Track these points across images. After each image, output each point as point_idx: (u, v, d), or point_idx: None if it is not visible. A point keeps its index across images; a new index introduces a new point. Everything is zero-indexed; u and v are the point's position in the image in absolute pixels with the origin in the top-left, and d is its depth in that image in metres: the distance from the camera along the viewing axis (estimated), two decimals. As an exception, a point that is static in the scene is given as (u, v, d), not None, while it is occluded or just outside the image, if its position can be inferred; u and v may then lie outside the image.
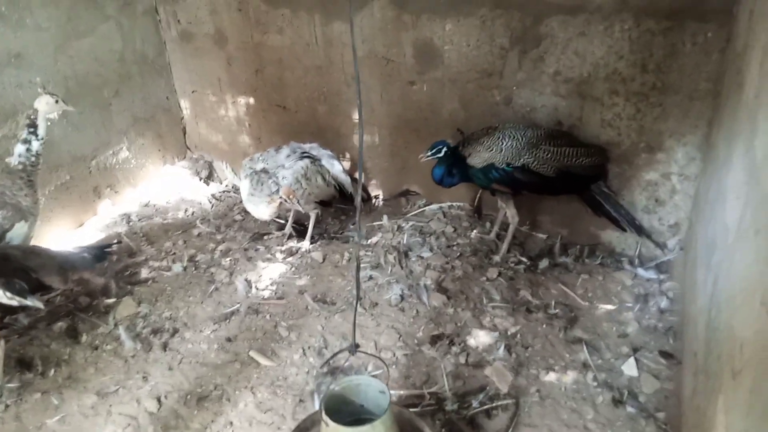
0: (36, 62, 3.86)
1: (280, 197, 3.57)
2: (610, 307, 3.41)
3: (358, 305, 3.44)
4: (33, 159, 3.28)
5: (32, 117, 3.25)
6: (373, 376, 2.73)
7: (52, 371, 3.14)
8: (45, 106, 3.26)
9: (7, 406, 2.94)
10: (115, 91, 4.41)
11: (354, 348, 2.40)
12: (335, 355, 2.64)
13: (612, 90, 3.49)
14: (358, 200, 2.37)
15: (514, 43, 3.63)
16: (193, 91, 4.82)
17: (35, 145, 3.26)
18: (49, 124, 3.32)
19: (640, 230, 3.67)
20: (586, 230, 3.90)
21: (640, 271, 3.65)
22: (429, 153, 3.62)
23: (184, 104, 4.96)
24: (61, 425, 2.87)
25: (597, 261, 3.79)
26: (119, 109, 4.45)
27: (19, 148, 3.26)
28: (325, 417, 2.20)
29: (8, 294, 2.76)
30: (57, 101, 3.29)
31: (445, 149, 3.59)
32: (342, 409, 2.38)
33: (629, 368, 2.93)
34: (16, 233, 3.25)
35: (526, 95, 3.76)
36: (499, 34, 3.64)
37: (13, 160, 3.26)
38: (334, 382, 2.45)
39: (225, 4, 4.33)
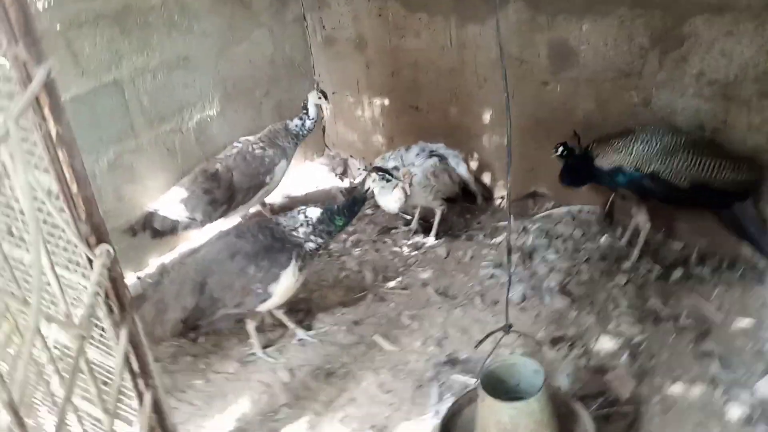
0: (200, 65, 4.35)
1: (397, 176, 3.71)
2: (747, 322, 3.20)
3: (480, 301, 3.55)
4: (305, 131, 4.31)
5: (305, 103, 4.26)
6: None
7: (202, 338, 3.55)
8: (312, 97, 4.25)
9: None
10: (266, 92, 4.83)
11: (508, 328, 2.52)
12: (491, 333, 2.73)
13: (762, 92, 3.27)
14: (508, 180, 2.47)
15: (655, 42, 3.52)
16: (333, 93, 5.14)
17: (308, 122, 4.28)
18: (319, 115, 4.35)
19: None
20: (727, 241, 3.66)
21: (786, 286, 3.38)
22: (556, 152, 3.63)
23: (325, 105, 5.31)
24: (206, 386, 3.25)
25: (737, 274, 3.55)
26: (268, 108, 4.87)
27: (297, 122, 4.28)
28: (482, 392, 2.34)
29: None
30: (320, 98, 4.25)
31: (561, 148, 3.58)
32: (497, 387, 2.50)
33: (764, 387, 2.75)
34: (279, 168, 4.23)
35: (666, 96, 3.62)
36: (639, 33, 3.55)
37: (292, 125, 4.28)
38: (490, 360, 2.58)
39: (366, 10, 4.59)
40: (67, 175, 1.37)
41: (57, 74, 1.27)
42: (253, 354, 3.36)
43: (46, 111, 1.30)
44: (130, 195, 3.98)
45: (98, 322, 1.45)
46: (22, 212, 1.27)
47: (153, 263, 4.15)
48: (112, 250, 1.43)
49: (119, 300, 1.51)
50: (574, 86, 3.97)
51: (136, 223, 3.83)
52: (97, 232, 1.44)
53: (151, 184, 4.13)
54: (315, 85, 4.50)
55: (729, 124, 3.45)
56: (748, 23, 3.16)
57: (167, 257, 4.21)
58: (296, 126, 4.27)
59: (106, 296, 1.47)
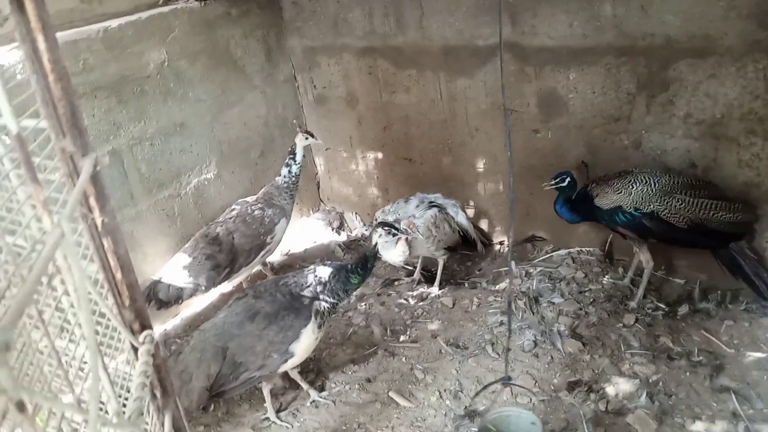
0: (196, 130, 4.39)
1: (404, 229, 3.72)
2: (759, 354, 3.25)
3: (491, 350, 3.54)
4: (293, 179, 4.23)
5: (292, 148, 4.19)
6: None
7: (212, 407, 3.47)
8: (299, 140, 4.18)
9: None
10: (261, 152, 4.88)
11: (507, 380, 2.51)
12: (489, 385, 2.73)
13: (749, 130, 3.40)
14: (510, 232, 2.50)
15: (641, 88, 3.65)
16: (326, 149, 5.21)
17: (294, 168, 4.20)
18: (304, 155, 4.25)
19: None
20: (726, 275, 3.74)
21: (792, 317, 3.44)
22: (552, 182, 3.71)
23: (319, 161, 5.37)
24: (221, 456, 3.16)
25: (741, 306, 3.62)
26: (263, 168, 4.91)
27: (283, 171, 4.23)
28: None
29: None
30: (307, 138, 4.19)
31: (568, 179, 3.66)
32: None
33: (787, 420, 2.77)
34: (279, 227, 4.20)
35: (656, 138, 3.74)
36: (625, 80, 3.69)
37: (279, 180, 4.24)
38: (487, 412, 2.56)
39: (356, 69, 4.71)
40: (112, 263, 1.37)
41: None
42: (267, 419, 3.30)
43: (92, 201, 1.31)
44: (131, 263, 3.93)
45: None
46: (72, 307, 1.26)
47: (156, 332, 4.08)
48: (155, 336, 1.42)
49: (162, 385, 1.49)
50: (564, 133, 4.09)
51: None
52: (140, 318, 1.43)
53: (151, 250, 4.10)
54: (298, 128, 4.35)
55: (719, 162, 3.57)
56: (730, 66, 3.31)
57: (170, 324, 4.15)
58: (284, 177, 4.22)
59: (150, 383, 1.45)
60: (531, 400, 2.91)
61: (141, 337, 1.39)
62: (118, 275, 1.37)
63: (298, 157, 4.19)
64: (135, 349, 1.41)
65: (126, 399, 1.44)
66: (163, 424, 1.45)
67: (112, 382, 1.32)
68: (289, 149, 4.22)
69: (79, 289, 0.94)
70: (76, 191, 1.18)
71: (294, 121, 4.75)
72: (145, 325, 1.43)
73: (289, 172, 4.21)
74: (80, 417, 0.98)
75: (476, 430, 2.49)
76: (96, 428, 0.98)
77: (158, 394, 1.48)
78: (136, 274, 1.44)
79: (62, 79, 1.25)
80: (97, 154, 1.27)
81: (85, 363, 1.28)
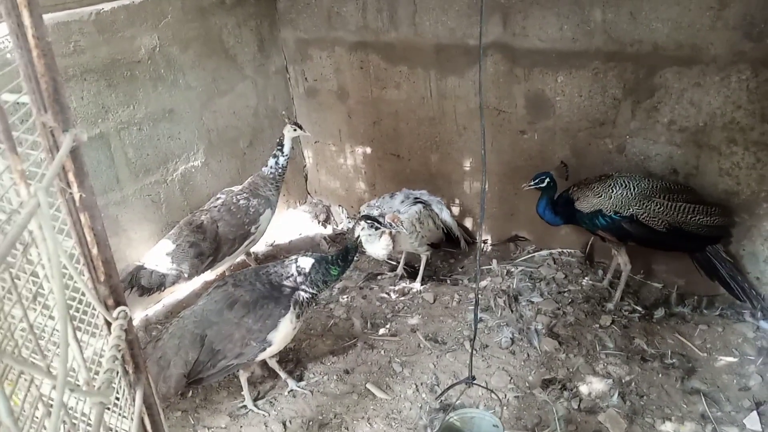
0: (185, 117, 4.39)
1: (387, 223, 3.74)
2: (730, 359, 3.31)
3: (469, 346, 3.58)
4: (280, 170, 4.21)
5: (280, 139, 4.16)
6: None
7: (190, 393, 3.49)
8: (288, 132, 4.15)
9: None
10: (249, 142, 4.89)
11: (471, 380, 2.53)
12: (453, 385, 2.77)
13: (730, 139, 3.46)
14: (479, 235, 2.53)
15: (627, 93, 3.70)
16: (315, 142, 5.23)
17: (281, 159, 4.18)
18: (292, 147, 4.21)
19: (756, 301, 3.55)
20: (703, 281, 3.79)
21: (763, 323, 3.51)
22: (532, 183, 3.75)
23: (307, 153, 5.38)
24: (197, 442, 3.18)
25: (716, 312, 3.68)
26: (251, 158, 4.92)
27: (270, 161, 4.19)
28: None
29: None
30: (295, 130, 4.15)
31: (547, 179, 3.70)
32: None
33: (752, 422, 2.84)
34: (264, 217, 4.20)
35: (639, 144, 3.80)
36: (612, 85, 3.74)
37: (266, 171, 4.21)
38: (450, 412, 2.59)
39: (348, 63, 4.73)
40: (88, 238, 1.39)
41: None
42: (244, 407, 3.32)
43: (71, 176, 1.33)
44: (114, 247, 3.90)
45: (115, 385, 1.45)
46: (46, 278, 1.28)
47: (137, 317, 4.09)
48: (128, 312, 1.44)
49: (135, 361, 1.51)
50: (550, 135, 4.14)
51: (123, 280, 3.77)
52: (114, 294, 1.45)
53: (136, 236, 4.11)
54: (287, 119, 4.25)
55: (700, 170, 3.62)
56: (714, 75, 3.36)
57: (152, 311, 4.15)
58: (271, 168, 4.19)
59: (122, 358, 1.47)
60: (499, 400, 2.94)
61: (115, 313, 1.41)
62: (94, 250, 1.39)
63: (286, 149, 4.17)
64: (109, 325, 1.43)
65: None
66: (134, 400, 1.47)
67: (83, 354, 1.33)
68: (278, 140, 4.21)
69: (51, 257, 0.96)
70: (55, 164, 1.19)
71: (283, 112, 4.73)
72: (120, 302, 1.45)
73: (276, 163, 4.19)
74: (49, 381, 0.99)
75: (437, 429, 2.52)
76: (64, 393, 1.01)
77: (130, 370, 1.50)
78: (119, 259, 1.46)
79: (46, 55, 1.27)
80: (77, 131, 1.29)
81: (56, 331, 1.30)
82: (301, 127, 4.21)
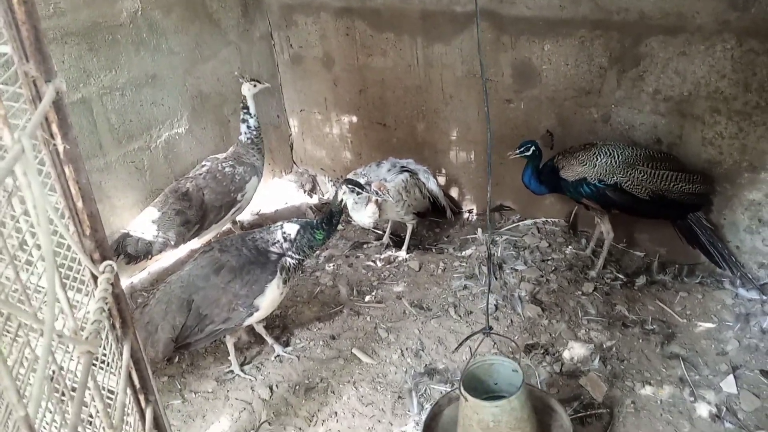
0: (168, 83, 4.32)
1: (374, 191, 3.73)
2: (709, 325, 3.39)
3: (453, 312, 3.62)
4: (255, 132, 4.15)
5: (243, 101, 4.05)
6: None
7: (177, 358, 3.50)
8: (248, 91, 4.05)
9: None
10: (233, 109, 4.83)
11: (488, 329, 2.60)
12: (471, 335, 2.82)
13: (713, 109, 3.49)
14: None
15: (613, 62, 3.71)
16: (301, 110, 5.19)
17: (251, 121, 4.11)
18: (255, 102, 4.09)
19: (736, 268, 3.62)
20: (685, 250, 3.86)
21: (742, 291, 3.58)
22: (517, 151, 3.76)
23: (293, 122, 5.34)
24: (184, 406, 3.21)
25: (696, 280, 3.75)
26: (236, 125, 4.83)
27: (242, 128, 4.14)
28: (464, 392, 2.41)
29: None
30: (255, 85, 4.05)
31: (533, 148, 3.72)
32: (477, 387, 2.62)
33: (728, 385, 2.91)
34: (251, 185, 4.17)
35: (624, 113, 3.81)
36: (598, 53, 3.74)
37: (243, 138, 4.16)
38: (471, 360, 2.65)
39: (334, 30, 4.67)
40: (73, 192, 1.38)
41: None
42: (230, 372, 3.34)
43: (54, 128, 1.31)
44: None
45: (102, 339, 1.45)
46: (30, 233, 1.26)
47: (123, 285, 4.07)
48: (115, 266, 1.44)
49: (121, 316, 1.51)
50: (536, 104, 4.14)
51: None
52: (100, 249, 1.45)
53: (119, 203, 4.07)
54: (241, 78, 4.09)
55: (684, 139, 3.66)
56: (700, 44, 3.37)
57: (137, 278, 4.14)
58: (245, 134, 4.14)
59: (109, 312, 1.47)
60: (517, 346, 3.05)
61: (101, 267, 1.41)
62: (79, 204, 1.38)
63: (252, 109, 4.08)
64: (95, 279, 1.43)
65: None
66: (121, 354, 1.47)
67: (71, 307, 1.33)
68: (241, 103, 4.10)
69: (37, 203, 0.95)
70: (38, 112, 1.18)
71: (236, 72, 4.48)
72: (106, 256, 1.45)
73: (248, 127, 4.13)
74: (37, 326, 0.99)
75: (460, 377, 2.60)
76: (51, 338, 1.00)
77: (117, 324, 1.50)
78: (104, 225, 1.45)
79: (26, 2, 1.24)
80: (59, 81, 1.27)
81: (42, 287, 1.29)
82: (259, 81, 4.11)
